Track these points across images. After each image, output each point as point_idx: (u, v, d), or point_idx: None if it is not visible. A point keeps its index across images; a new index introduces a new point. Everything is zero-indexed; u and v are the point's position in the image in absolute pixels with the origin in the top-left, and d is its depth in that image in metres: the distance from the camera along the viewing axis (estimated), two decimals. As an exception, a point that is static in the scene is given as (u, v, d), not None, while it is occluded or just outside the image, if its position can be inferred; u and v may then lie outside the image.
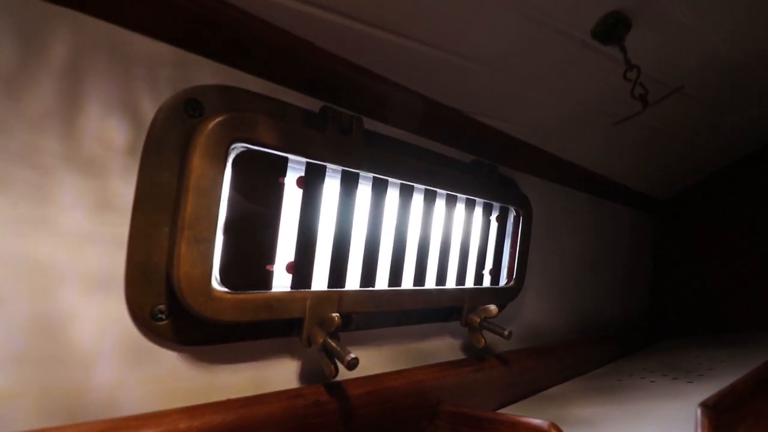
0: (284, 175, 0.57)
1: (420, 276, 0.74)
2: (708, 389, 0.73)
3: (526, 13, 0.60)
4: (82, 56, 0.43)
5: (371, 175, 0.64)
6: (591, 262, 1.26)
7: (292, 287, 0.58)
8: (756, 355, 1.00)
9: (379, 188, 0.67)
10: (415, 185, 0.71)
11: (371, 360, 0.69)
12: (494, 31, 0.62)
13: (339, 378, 0.57)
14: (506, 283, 0.90)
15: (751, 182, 1.40)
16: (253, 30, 0.50)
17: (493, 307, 0.79)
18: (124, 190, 0.46)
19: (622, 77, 0.66)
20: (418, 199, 0.73)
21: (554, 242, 1.09)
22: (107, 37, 0.45)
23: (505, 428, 0.62)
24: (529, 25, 0.62)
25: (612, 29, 0.63)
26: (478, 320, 0.79)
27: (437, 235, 0.77)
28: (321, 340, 0.55)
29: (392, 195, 0.69)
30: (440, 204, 0.78)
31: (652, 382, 0.91)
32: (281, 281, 0.58)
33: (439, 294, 0.75)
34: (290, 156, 0.55)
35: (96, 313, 0.45)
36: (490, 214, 0.88)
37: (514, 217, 0.90)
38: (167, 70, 0.48)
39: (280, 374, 0.59)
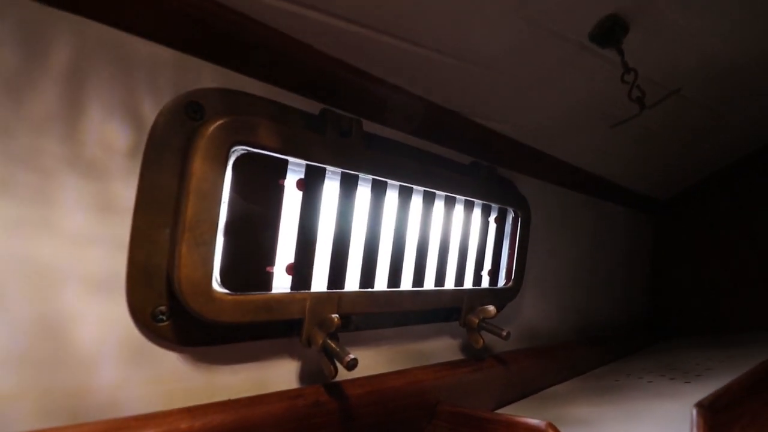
0: (284, 177, 0.58)
1: (419, 277, 0.74)
2: (705, 389, 0.74)
3: (524, 16, 0.60)
4: (84, 59, 0.44)
5: (370, 177, 0.64)
6: (590, 262, 1.27)
7: (291, 288, 0.59)
8: (754, 355, 1.00)
9: (379, 190, 0.67)
10: (414, 187, 0.71)
11: (370, 360, 0.69)
12: (493, 33, 0.62)
13: (338, 378, 0.57)
14: (505, 284, 0.90)
15: (750, 183, 1.41)
16: (253, 33, 0.51)
17: (491, 308, 0.79)
18: (126, 193, 0.47)
19: (620, 80, 0.67)
20: (417, 201, 0.74)
21: (553, 243, 1.10)
22: (109, 41, 0.45)
23: (503, 428, 0.63)
24: (527, 28, 0.62)
25: (609, 32, 0.63)
26: (477, 321, 0.79)
27: (436, 236, 0.78)
28: (321, 341, 0.55)
29: (391, 197, 0.70)
30: (439, 205, 0.78)
31: (650, 382, 0.92)
32: (281, 282, 0.59)
33: (437, 295, 0.75)
34: (290, 158, 0.56)
35: (97, 314, 0.45)
36: (489, 216, 0.89)
37: (513, 218, 0.91)
38: (168, 73, 0.49)
39: (280, 375, 0.59)
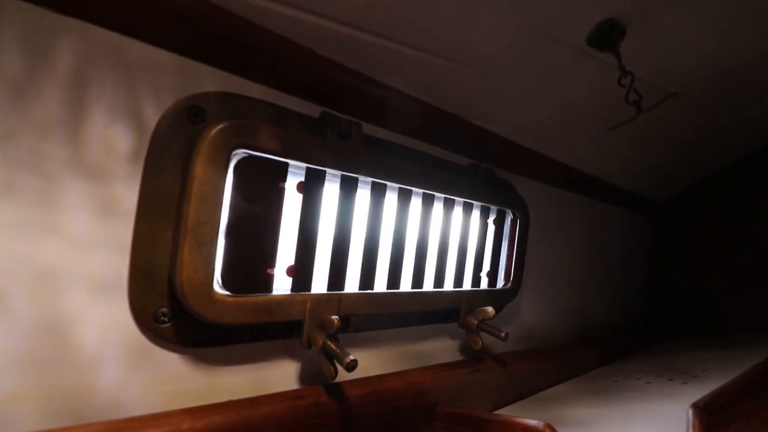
0: (285, 180, 0.58)
1: (418, 278, 0.75)
2: (702, 390, 0.74)
3: (522, 20, 0.61)
4: (87, 65, 0.44)
5: (370, 179, 0.65)
6: (588, 263, 1.27)
7: (292, 290, 0.59)
8: (752, 356, 1.01)
9: (378, 192, 0.68)
10: (414, 189, 0.72)
11: (370, 361, 0.70)
12: (490, 37, 0.63)
13: (338, 379, 0.58)
14: (503, 285, 0.91)
15: (748, 184, 1.41)
16: (253, 37, 0.51)
17: (490, 309, 0.80)
18: (128, 196, 0.47)
19: (617, 83, 0.67)
20: (416, 203, 0.74)
21: (552, 244, 1.10)
22: (111, 46, 0.45)
23: (501, 429, 0.63)
24: (525, 32, 0.63)
25: (607, 36, 0.64)
26: (476, 322, 0.79)
27: (435, 238, 0.78)
28: (321, 342, 0.56)
29: (391, 199, 0.70)
30: (438, 207, 0.79)
31: (648, 383, 0.92)
32: (282, 284, 0.59)
33: (436, 296, 0.76)
34: (290, 161, 0.56)
35: (100, 316, 0.46)
36: (488, 217, 0.89)
37: (511, 219, 0.91)
38: (170, 77, 0.49)
39: (281, 375, 0.59)
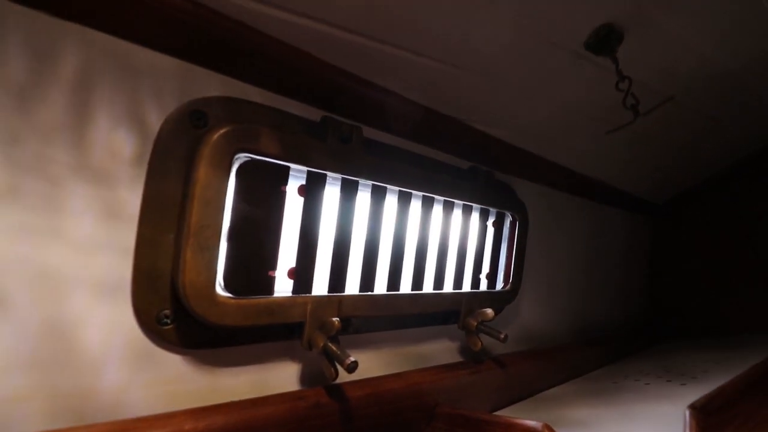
0: (286, 183, 0.59)
1: (418, 280, 0.76)
2: (701, 391, 0.75)
3: (521, 25, 0.62)
4: (91, 70, 0.45)
5: (370, 182, 0.65)
6: (588, 265, 1.28)
7: (293, 292, 0.60)
8: (752, 357, 1.01)
9: (378, 195, 0.68)
10: (413, 192, 0.72)
11: (370, 363, 0.70)
12: (490, 42, 0.63)
13: (339, 380, 0.58)
14: (503, 287, 0.91)
15: (748, 184, 1.42)
16: (256, 43, 0.52)
17: (489, 311, 0.80)
18: (132, 199, 0.48)
19: (615, 87, 0.68)
20: (416, 206, 0.75)
21: (551, 246, 1.11)
22: (115, 51, 0.46)
23: (500, 429, 0.64)
24: (523, 36, 0.64)
25: (604, 41, 0.65)
26: (475, 324, 0.80)
27: (435, 240, 0.79)
28: (321, 344, 0.56)
29: (391, 202, 0.71)
30: (438, 210, 0.79)
31: (647, 384, 0.93)
32: (283, 286, 0.60)
33: (436, 298, 0.76)
34: (292, 165, 0.57)
35: (104, 318, 0.47)
36: (487, 219, 0.90)
37: (511, 221, 0.92)
38: (173, 82, 0.50)
39: (282, 377, 0.60)
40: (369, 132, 0.66)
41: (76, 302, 0.45)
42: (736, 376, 0.80)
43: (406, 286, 0.74)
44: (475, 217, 0.87)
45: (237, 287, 0.53)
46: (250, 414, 0.51)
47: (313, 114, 0.61)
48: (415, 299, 0.72)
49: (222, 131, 0.49)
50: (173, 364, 0.51)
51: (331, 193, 0.64)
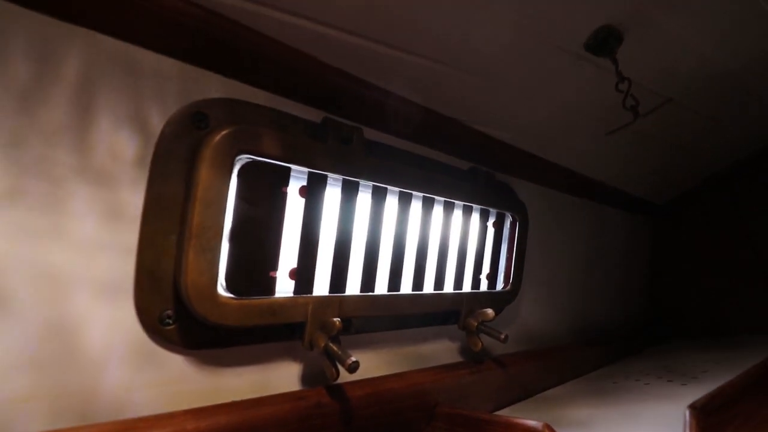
0: (287, 184, 0.59)
1: (418, 281, 0.76)
2: (701, 391, 0.75)
3: (521, 26, 0.62)
4: (93, 72, 0.45)
5: (371, 183, 0.66)
6: (588, 265, 1.28)
7: (294, 293, 0.60)
8: (752, 357, 1.02)
9: (379, 196, 0.69)
10: (414, 193, 0.72)
11: (371, 363, 0.71)
12: (490, 42, 0.64)
13: (340, 380, 0.58)
14: (503, 287, 0.91)
15: (748, 184, 1.42)
16: (257, 45, 0.52)
17: (489, 311, 0.81)
18: (134, 200, 0.48)
19: (615, 88, 0.68)
20: (416, 206, 0.75)
21: (551, 246, 1.11)
22: (118, 54, 0.46)
23: (501, 429, 0.64)
24: (523, 38, 0.64)
25: (604, 42, 0.65)
26: (476, 324, 0.80)
27: (435, 240, 0.79)
28: (323, 344, 0.57)
29: (391, 202, 0.71)
30: (438, 210, 0.79)
31: (647, 384, 0.93)
32: (284, 287, 0.60)
33: (437, 298, 0.76)
34: (293, 166, 0.57)
35: (106, 319, 0.47)
36: (487, 220, 0.90)
37: (511, 222, 0.92)
38: (175, 84, 0.50)
39: (283, 377, 0.60)
40: (369, 133, 0.66)
41: (79, 303, 0.45)
42: (736, 376, 0.80)
43: (406, 287, 0.74)
44: (475, 217, 0.87)
45: (239, 288, 0.54)
46: (251, 414, 0.51)
47: (314, 115, 0.61)
48: (416, 299, 0.72)
49: (223, 133, 0.49)
50: (175, 364, 0.51)
51: (332, 194, 0.64)
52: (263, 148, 0.53)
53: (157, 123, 0.49)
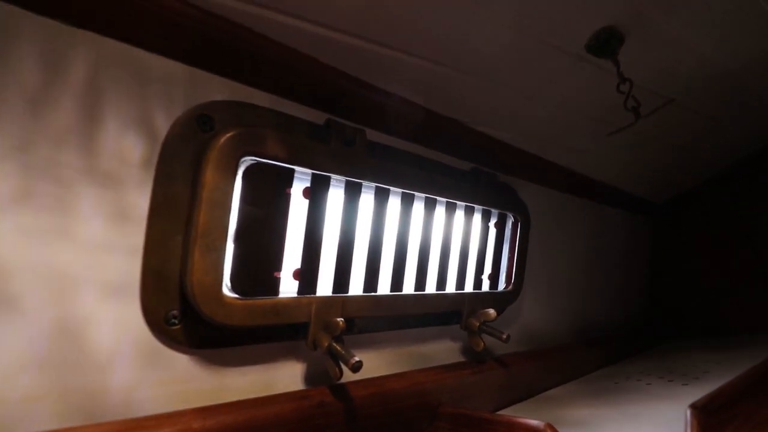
0: (291, 185, 0.60)
1: (421, 281, 0.76)
2: (702, 391, 0.75)
3: (521, 27, 0.62)
4: (101, 76, 0.46)
5: (374, 184, 0.66)
6: (589, 265, 1.28)
7: (298, 293, 0.61)
8: (752, 357, 1.02)
9: (382, 197, 0.69)
10: (416, 193, 0.73)
11: (373, 362, 0.71)
12: (492, 45, 0.64)
13: (343, 380, 0.59)
14: (505, 288, 0.92)
15: (748, 184, 1.42)
16: (261, 48, 0.53)
17: (491, 311, 0.81)
18: (140, 202, 0.49)
19: (616, 89, 0.69)
20: (419, 207, 0.76)
21: (552, 247, 1.11)
22: (125, 58, 0.47)
23: (503, 428, 0.64)
24: (525, 39, 0.64)
25: (605, 44, 0.65)
26: (477, 324, 0.81)
27: (437, 241, 0.80)
28: (326, 344, 0.57)
29: (394, 203, 0.72)
30: (440, 211, 0.80)
31: (648, 384, 0.93)
32: (288, 287, 0.60)
33: (439, 298, 0.77)
34: (296, 168, 0.58)
35: (113, 319, 0.47)
36: (489, 221, 0.91)
37: (513, 223, 0.92)
38: (180, 87, 0.51)
39: (287, 376, 0.61)
40: (372, 134, 0.67)
41: (86, 303, 0.46)
42: (736, 376, 0.81)
43: (409, 287, 0.75)
44: (477, 218, 0.88)
45: (243, 288, 0.54)
46: (256, 413, 0.52)
47: (317, 117, 0.62)
48: (418, 300, 0.73)
49: (228, 135, 0.50)
50: (181, 363, 0.52)
51: (335, 195, 0.64)
52: (267, 150, 0.53)
53: (163, 125, 0.50)
